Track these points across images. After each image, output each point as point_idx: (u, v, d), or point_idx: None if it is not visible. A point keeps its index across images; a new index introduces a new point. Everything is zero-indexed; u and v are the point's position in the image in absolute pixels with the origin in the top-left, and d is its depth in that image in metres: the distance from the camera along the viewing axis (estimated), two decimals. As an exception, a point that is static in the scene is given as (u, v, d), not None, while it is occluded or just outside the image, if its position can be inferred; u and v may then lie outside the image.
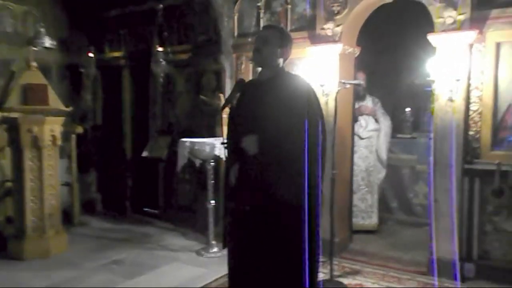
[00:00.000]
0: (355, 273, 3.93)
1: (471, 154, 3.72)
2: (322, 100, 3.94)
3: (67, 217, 5.27)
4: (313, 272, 2.41)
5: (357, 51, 4.55)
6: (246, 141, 2.38)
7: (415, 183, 5.75)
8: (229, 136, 2.56)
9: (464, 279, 3.68)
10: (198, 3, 5.23)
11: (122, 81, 6.22)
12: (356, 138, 5.02)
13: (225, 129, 2.55)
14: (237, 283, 2.55)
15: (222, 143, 2.57)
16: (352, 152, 4.83)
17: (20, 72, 4.75)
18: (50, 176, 4.47)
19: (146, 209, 6.05)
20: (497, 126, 3.65)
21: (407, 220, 5.69)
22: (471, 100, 3.71)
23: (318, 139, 2.34)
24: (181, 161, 4.56)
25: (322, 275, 3.55)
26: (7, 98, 4.46)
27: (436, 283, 3.64)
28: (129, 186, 6.19)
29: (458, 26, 3.61)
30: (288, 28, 4.50)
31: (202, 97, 5.24)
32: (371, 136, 5.20)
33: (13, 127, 4.33)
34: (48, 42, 5.04)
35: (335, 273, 3.76)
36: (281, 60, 2.52)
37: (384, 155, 5.32)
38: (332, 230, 3.63)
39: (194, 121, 5.41)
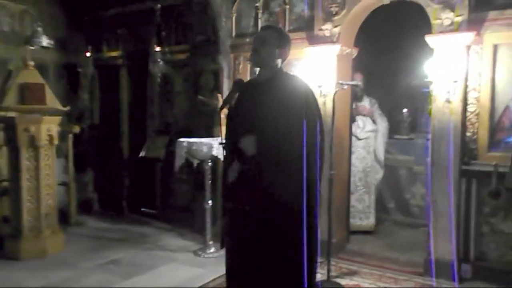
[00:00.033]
0: (352, 273, 3.94)
1: (468, 155, 3.73)
2: (320, 100, 3.92)
3: (63, 217, 5.26)
4: (312, 272, 2.41)
5: (355, 52, 4.56)
6: (244, 142, 2.37)
7: (412, 184, 5.75)
8: (227, 137, 2.55)
9: (461, 280, 3.68)
10: (197, 3, 5.22)
11: (120, 80, 6.21)
12: (353, 138, 5.03)
13: (223, 129, 2.55)
14: (235, 283, 2.54)
15: (220, 143, 2.57)
16: (350, 153, 4.84)
17: (17, 71, 4.73)
18: (47, 176, 4.46)
19: (143, 209, 6.04)
20: (494, 128, 3.66)
21: (404, 221, 5.70)
22: (469, 102, 3.73)
23: (316, 140, 2.34)
24: (179, 161, 4.56)
25: (319, 276, 3.54)
26: (4, 97, 4.44)
27: (434, 283, 3.65)
28: (126, 186, 6.18)
29: (455, 28, 3.62)
30: (286, 29, 4.50)
31: (200, 97, 5.24)
32: (369, 137, 5.21)
33: (10, 126, 4.32)
34: (45, 41, 5.01)
35: (332, 273, 3.76)
36: (279, 61, 2.51)
37: (381, 156, 5.33)
38: (330, 231, 3.64)
39: (192, 121, 5.40)
